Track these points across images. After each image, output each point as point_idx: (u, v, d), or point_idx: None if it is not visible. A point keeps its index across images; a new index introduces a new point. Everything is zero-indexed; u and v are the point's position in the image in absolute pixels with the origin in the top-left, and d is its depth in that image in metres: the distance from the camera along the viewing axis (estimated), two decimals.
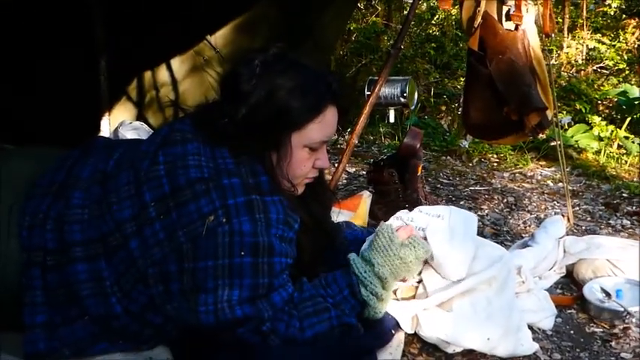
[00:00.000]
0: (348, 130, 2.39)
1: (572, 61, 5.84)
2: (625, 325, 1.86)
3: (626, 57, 5.62)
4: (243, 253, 1.36)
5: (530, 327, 1.80)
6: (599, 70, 5.76)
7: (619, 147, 4.18)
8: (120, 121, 3.11)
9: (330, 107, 1.52)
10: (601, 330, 1.86)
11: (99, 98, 3.19)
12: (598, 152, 4.09)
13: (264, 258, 1.39)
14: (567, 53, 5.84)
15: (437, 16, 6.24)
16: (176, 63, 3.41)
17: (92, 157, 1.59)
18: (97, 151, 1.62)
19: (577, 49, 5.87)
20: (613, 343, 1.78)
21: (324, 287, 1.50)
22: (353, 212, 2.40)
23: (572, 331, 1.85)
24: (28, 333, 1.41)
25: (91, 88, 3.14)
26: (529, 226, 2.83)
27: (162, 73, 3.43)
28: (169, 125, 1.57)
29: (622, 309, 1.88)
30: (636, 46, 5.73)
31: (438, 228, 1.71)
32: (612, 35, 5.92)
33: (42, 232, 1.45)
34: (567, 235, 2.37)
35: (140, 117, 3.44)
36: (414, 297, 1.71)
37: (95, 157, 1.58)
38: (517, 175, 3.71)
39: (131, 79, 3.44)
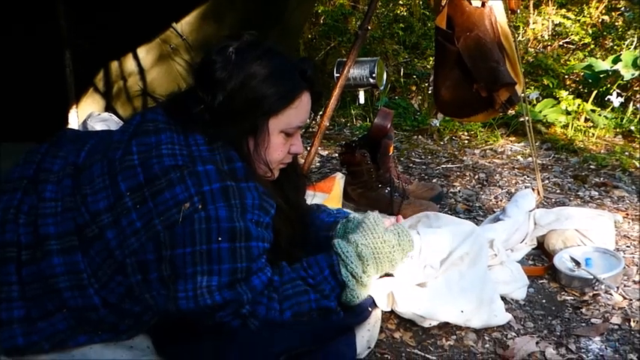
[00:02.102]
0: (319, 113, 2.40)
1: (539, 37, 5.89)
2: (594, 292, 1.91)
3: (590, 31, 5.69)
4: (220, 238, 1.37)
5: (504, 298, 1.84)
6: (565, 45, 5.82)
7: (586, 120, 4.24)
8: (88, 113, 3.08)
9: (305, 93, 1.55)
10: (572, 298, 1.91)
11: (65, 91, 3.15)
12: (566, 126, 4.14)
13: (242, 243, 1.40)
14: (534, 29, 5.89)
15: None
16: (142, 52, 3.37)
17: (62, 150, 1.58)
18: (66, 144, 1.61)
19: (543, 24, 5.92)
20: (583, 310, 1.83)
21: (305, 269, 1.53)
22: (327, 194, 2.42)
23: (544, 300, 1.90)
24: (5, 329, 1.41)
25: (57, 81, 3.09)
26: (500, 200, 2.87)
27: (129, 63, 3.39)
28: (141, 115, 1.57)
29: (591, 277, 1.93)
30: (600, 20, 5.80)
31: (406, 268, 1.71)
32: (577, 10, 5.98)
33: (15, 227, 1.44)
34: (537, 207, 2.42)
35: (108, 108, 3.41)
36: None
37: (65, 150, 1.58)
38: (488, 151, 3.76)
39: (97, 70, 3.40)
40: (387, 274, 1.70)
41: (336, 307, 1.54)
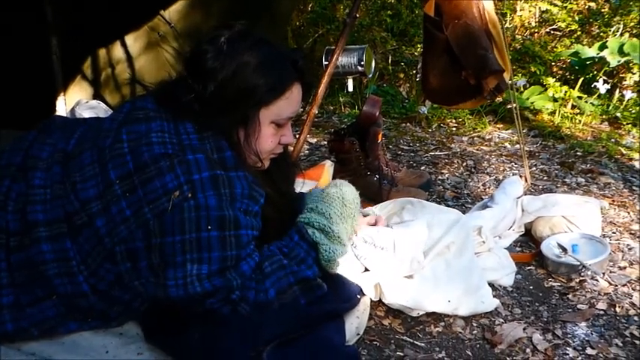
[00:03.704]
0: (309, 101, 2.40)
1: (526, 24, 5.89)
2: (581, 278, 1.93)
3: (577, 18, 5.70)
4: (210, 227, 1.37)
5: (492, 284, 1.86)
6: (552, 32, 5.83)
7: (573, 107, 4.25)
8: (76, 101, 3.06)
9: (296, 83, 1.55)
10: (559, 284, 1.93)
11: (52, 78, 3.12)
12: (553, 113, 4.16)
13: (231, 231, 1.40)
14: (521, 16, 5.89)
15: None
16: (130, 39, 3.34)
17: (51, 137, 1.57)
18: (55, 131, 1.60)
19: (530, 11, 5.92)
20: (570, 296, 1.85)
21: (279, 242, 1.57)
22: (316, 182, 2.42)
23: (531, 287, 1.92)
24: None
25: (44, 68, 3.06)
26: (488, 187, 2.89)
27: (117, 50, 3.36)
28: (131, 103, 1.57)
29: (578, 263, 1.95)
30: (587, 7, 5.81)
31: (381, 261, 1.73)
32: None
33: (3, 214, 1.44)
34: (525, 194, 2.44)
35: (97, 96, 3.38)
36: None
37: (54, 137, 1.57)
38: (476, 138, 3.77)
39: (85, 57, 3.37)
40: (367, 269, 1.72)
41: (314, 276, 1.54)
